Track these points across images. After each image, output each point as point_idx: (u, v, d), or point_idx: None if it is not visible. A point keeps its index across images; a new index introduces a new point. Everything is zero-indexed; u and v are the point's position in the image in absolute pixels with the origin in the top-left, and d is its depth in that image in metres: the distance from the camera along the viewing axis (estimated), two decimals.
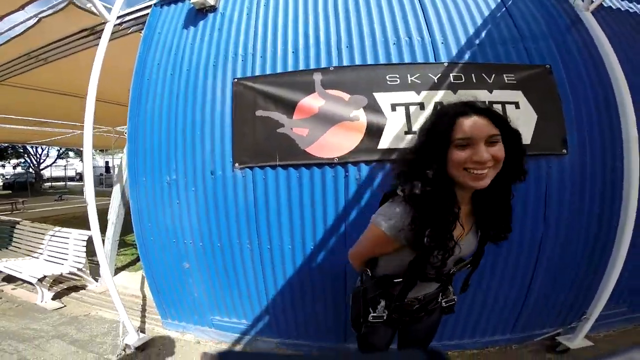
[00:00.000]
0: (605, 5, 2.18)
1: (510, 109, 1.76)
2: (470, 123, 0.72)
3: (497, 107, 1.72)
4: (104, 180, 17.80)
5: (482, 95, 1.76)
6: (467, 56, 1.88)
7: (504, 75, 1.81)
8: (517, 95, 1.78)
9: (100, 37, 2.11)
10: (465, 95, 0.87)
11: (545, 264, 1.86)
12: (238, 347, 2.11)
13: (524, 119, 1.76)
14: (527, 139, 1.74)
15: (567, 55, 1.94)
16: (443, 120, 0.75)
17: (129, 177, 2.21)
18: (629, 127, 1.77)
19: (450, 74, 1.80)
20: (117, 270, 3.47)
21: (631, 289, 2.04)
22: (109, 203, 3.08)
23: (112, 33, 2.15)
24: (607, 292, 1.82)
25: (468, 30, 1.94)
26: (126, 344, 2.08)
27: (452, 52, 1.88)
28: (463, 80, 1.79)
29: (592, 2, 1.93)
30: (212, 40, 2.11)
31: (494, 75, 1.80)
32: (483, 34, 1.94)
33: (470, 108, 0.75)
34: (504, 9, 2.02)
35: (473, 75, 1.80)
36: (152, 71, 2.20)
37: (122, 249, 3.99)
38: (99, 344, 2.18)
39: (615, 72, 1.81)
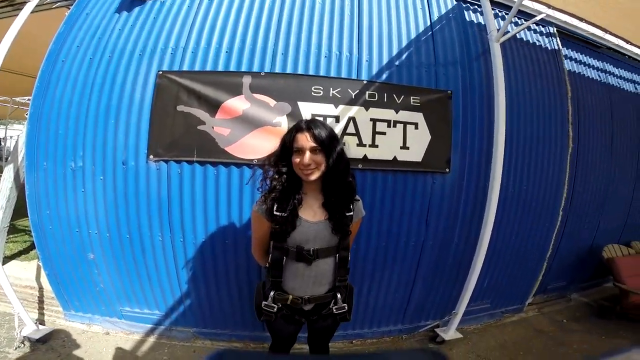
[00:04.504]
0: (519, 37, 2.46)
1: (410, 129, 2.05)
2: (301, 137, 1.06)
3: (400, 127, 2.06)
4: None
5: (389, 115, 2.03)
6: (384, 76, 2.09)
7: (411, 97, 2.05)
8: (418, 117, 2.06)
9: (19, 10, 1.95)
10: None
11: (425, 263, 2.25)
12: (152, 338, 2.21)
13: (420, 140, 2.06)
14: (419, 157, 2.07)
15: (470, 82, 2.21)
16: (289, 134, 1.11)
17: (26, 159, 2.08)
18: (497, 154, 2.12)
19: (367, 92, 2.01)
20: (7, 259, 3.19)
21: (491, 287, 2.57)
22: None
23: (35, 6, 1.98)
24: (469, 290, 2.25)
25: (392, 51, 2.14)
26: (24, 337, 2.05)
27: (372, 70, 2.09)
28: (376, 98, 2.02)
29: (505, 34, 2.10)
30: (144, 28, 2.08)
31: (403, 96, 2.04)
32: (404, 56, 2.16)
33: (305, 126, 1.08)
34: (430, 33, 2.23)
35: (385, 94, 2.03)
36: (70, 52, 2.10)
37: (12, 235, 3.65)
38: None
39: (499, 102, 2.08)
